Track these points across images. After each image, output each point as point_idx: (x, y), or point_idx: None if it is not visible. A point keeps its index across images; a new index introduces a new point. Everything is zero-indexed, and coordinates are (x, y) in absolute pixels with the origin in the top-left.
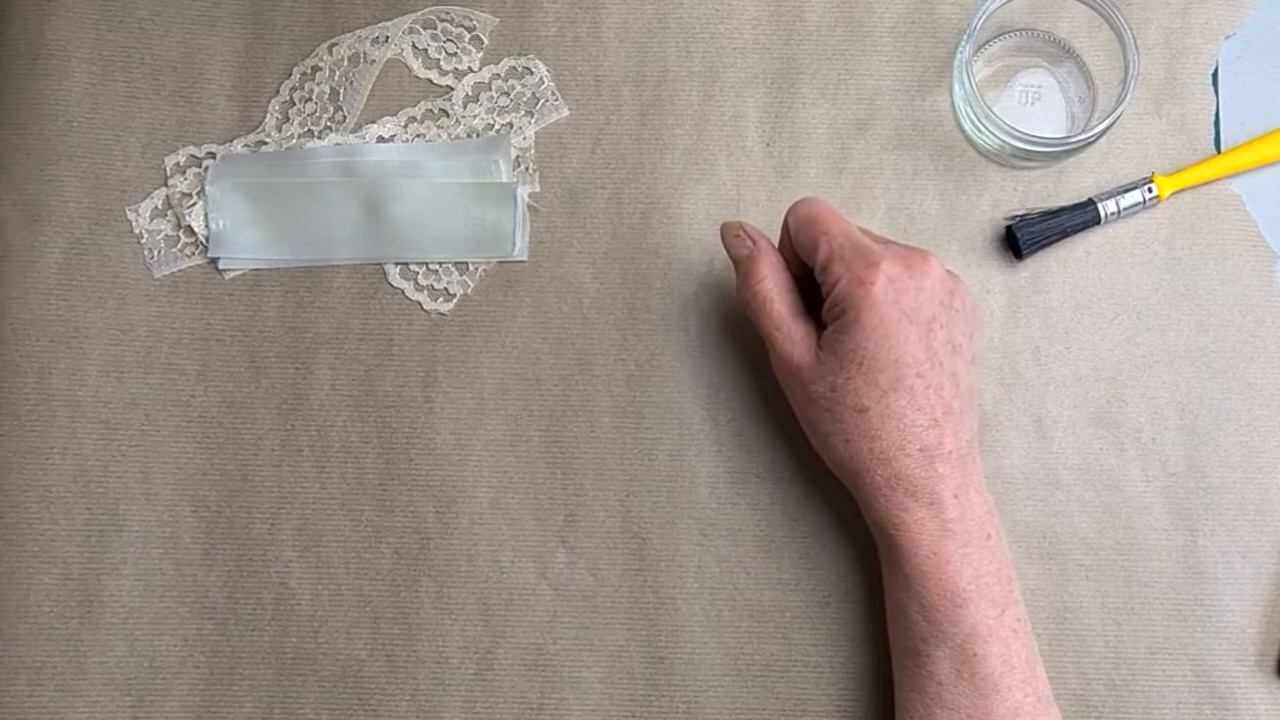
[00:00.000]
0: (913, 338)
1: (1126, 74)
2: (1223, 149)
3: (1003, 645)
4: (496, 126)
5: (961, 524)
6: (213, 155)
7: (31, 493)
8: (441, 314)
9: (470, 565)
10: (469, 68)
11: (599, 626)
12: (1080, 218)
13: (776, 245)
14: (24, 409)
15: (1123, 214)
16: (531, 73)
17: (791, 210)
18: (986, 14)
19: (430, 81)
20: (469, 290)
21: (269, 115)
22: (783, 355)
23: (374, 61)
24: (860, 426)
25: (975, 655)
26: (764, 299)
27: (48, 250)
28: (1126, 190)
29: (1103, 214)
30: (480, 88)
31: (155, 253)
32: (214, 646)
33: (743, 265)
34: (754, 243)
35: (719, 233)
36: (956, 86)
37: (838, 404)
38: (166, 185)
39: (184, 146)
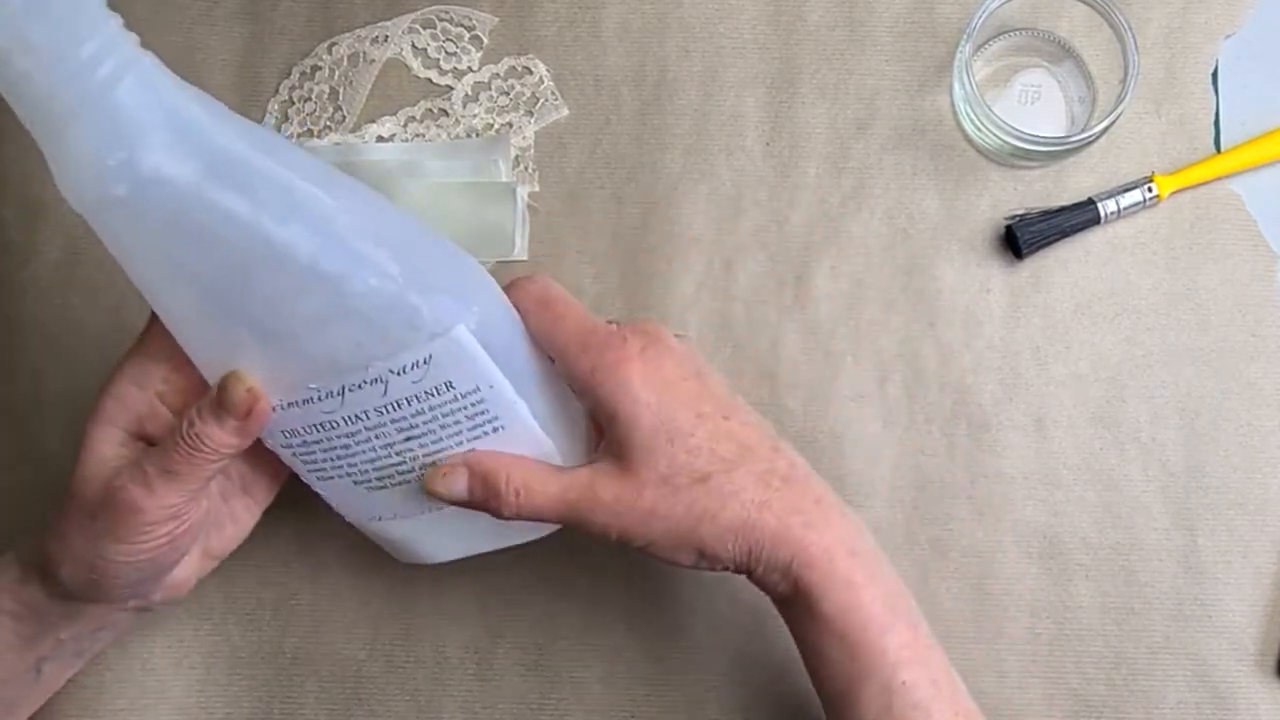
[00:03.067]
0: (696, 390)
1: (1126, 73)
2: (1223, 148)
3: (925, 667)
4: (496, 126)
5: (857, 542)
6: None
7: (29, 492)
8: None
9: (469, 564)
10: (468, 67)
11: (598, 626)
12: (1080, 217)
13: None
14: (21, 409)
15: (1123, 214)
16: (531, 72)
17: (519, 290)
18: (986, 13)
19: (430, 81)
20: None
21: (268, 115)
22: (593, 504)
23: (373, 61)
24: (715, 492)
25: (904, 684)
26: (529, 493)
27: (45, 250)
28: (1126, 190)
29: (1102, 214)
30: (480, 87)
31: None
32: (212, 646)
33: (476, 497)
34: (464, 466)
35: (430, 494)
36: (956, 86)
37: (677, 491)
38: None
39: None
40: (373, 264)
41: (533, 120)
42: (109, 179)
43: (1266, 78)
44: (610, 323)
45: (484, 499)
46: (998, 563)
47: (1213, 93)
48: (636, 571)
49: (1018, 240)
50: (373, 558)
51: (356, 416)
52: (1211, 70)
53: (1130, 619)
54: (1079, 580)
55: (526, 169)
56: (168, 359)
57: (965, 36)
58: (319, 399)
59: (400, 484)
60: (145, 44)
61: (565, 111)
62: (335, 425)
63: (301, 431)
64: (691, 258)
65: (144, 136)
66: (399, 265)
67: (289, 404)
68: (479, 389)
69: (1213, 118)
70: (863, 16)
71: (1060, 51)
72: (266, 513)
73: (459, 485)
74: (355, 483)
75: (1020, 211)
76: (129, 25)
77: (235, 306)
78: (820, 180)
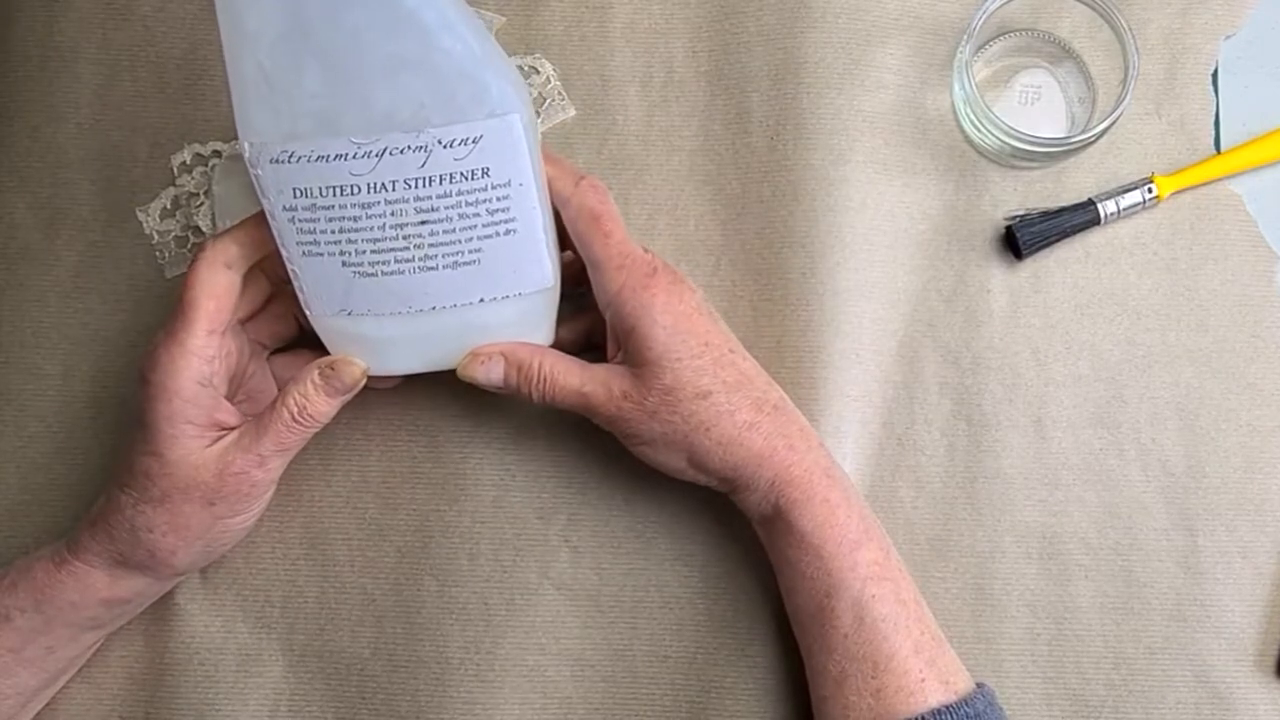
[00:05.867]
0: (707, 325)
1: (1126, 74)
2: (1223, 149)
3: (894, 585)
4: None
5: (833, 467)
6: (218, 153)
7: (62, 490)
8: None
9: (472, 564)
10: None
11: (602, 625)
12: (1080, 218)
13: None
14: (50, 411)
15: (1123, 214)
16: (538, 72)
17: (578, 196)
18: (987, 14)
19: None
20: None
21: None
22: (605, 397)
23: None
24: (713, 409)
25: (874, 597)
26: (553, 381)
27: (64, 254)
28: (1126, 190)
29: (1102, 214)
30: None
31: (166, 253)
32: (221, 643)
33: (510, 383)
34: (501, 355)
35: (467, 379)
36: (956, 87)
37: (680, 402)
38: (174, 185)
39: (189, 144)
40: (461, 31)
41: (540, 120)
42: None
43: (1266, 78)
44: (647, 249)
45: (517, 385)
46: (997, 563)
47: (1213, 93)
48: (640, 570)
49: (1018, 241)
50: (377, 555)
51: (382, 185)
52: (1211, 71)
53: (1130, 619)
54: (1078, 580)
55: None
56: (210, 347)
57: (965, 37)
58: (354, 156)
59: (390, 274)
60: (150, 43)
61: (572, 112)
62: (355, 191)
63: (316, 192)
64: (698, 258)
65: None
66: (479, 45)
67: (318, 157)
68: (510, 183)
69: (1213, 118)
70: (864, 17)
71: (1060, 52)
72: (274, 511)
73: (497, 371)
74: (344, 264)
75: (1020, 212)
76: (135, 24)
77: (319, 30)
78: (822, 179)
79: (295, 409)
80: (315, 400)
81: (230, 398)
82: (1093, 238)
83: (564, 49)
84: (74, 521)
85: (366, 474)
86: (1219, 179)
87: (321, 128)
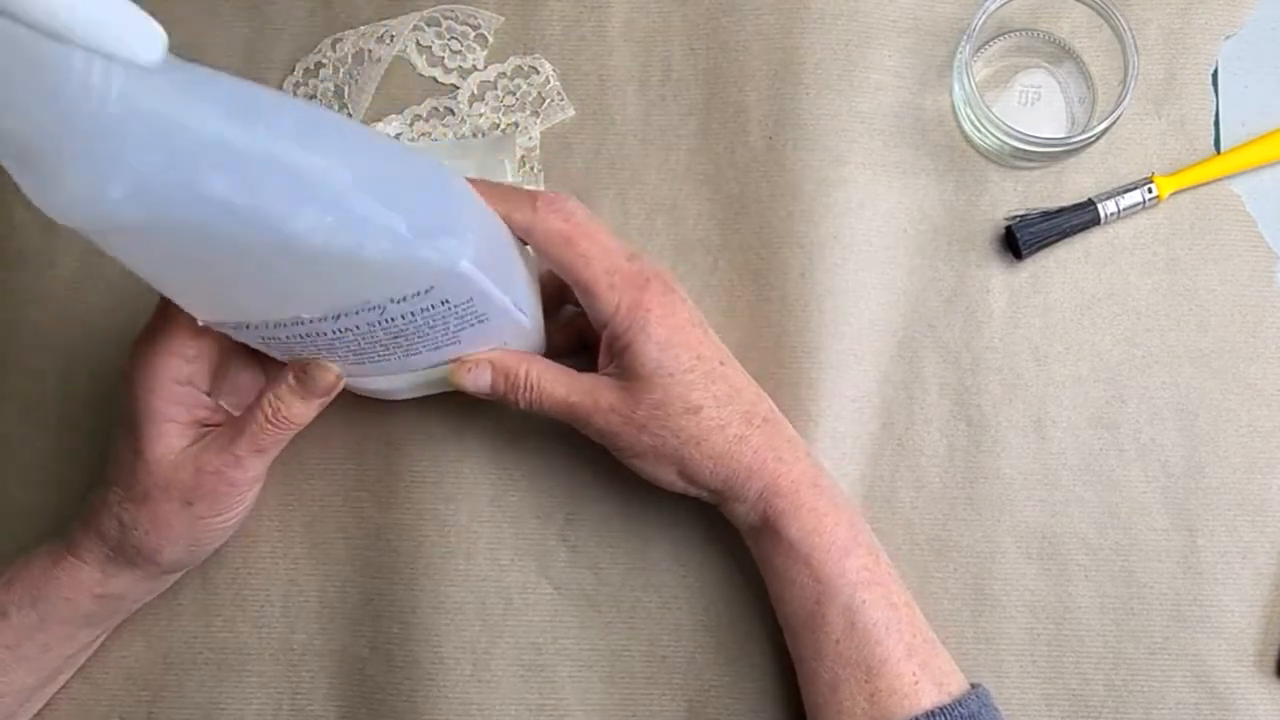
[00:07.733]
0: (699, 337)
1: (1126, 74)
2: (1223, 149)
3: (884, 589)
4: (502, 126)
5: (821, 477)
6: None
7: (63, 489)
8: None
9: (469, 563)
10: (474, 66)
11: (600, 625)
12: (1080, 218)
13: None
14: (50, 410)
15: (1122, 214)
16: (537, 72)
17: (539, 223)
18: (986, 14)
19: (435, 80)
20: None
21: None
22: (592, 408)
23: (379, 60)
24: (704, 423)
25: (864, 602)
26: (540, 390)
27: (62, 256)
28: (1126, 190)
29: (1102, 214)
30: (486, 86)
31: None
32: (223, 643)
33: (498, 390)
34: (489, 362)
35: (455, 386)
36: (956, 87)
37: (670, 417)
38: None
39: None
40: (383, 227)
41: (539, 120)
42: (110, 212)
43: (1266, 78)
44: (633, 255)
45: (504, 392)
46: (997, 563)
47: (1212, 93)
48: (638, 571)
49: (1018, 241)
50: (375, 554)
51: (346, 329)
52: (1211, 71)
53: (1130, 619)
54: (1078, 581)
55: (533, 169)
56: (191, 346)
57: (965, 37)
58: (310, 322)
59: (375, 363)
60: None
61: (571, 112)
62: (321, 334)
63: (284, 339)
64: (696, 258)
65: (142, 156)
66: (405, 219)
67: (276, 324)
68: (472, 300)
69: (1213, 118)
70: (863, 18)
71: (1060, 52)
72: (274, 511)
73: (484, 378)
74: (330, 359)
75: (1020, 212)
76: None
77: (243, 283)
78: (820, 180)
79: (270, 411)
80: (290, 403)
81: (217, 397)
82: (1093, 238)
83: (563, 49)
84: (73, 516)
85: (366, 474)
86: (1219, 179)
87: (268, 316)
